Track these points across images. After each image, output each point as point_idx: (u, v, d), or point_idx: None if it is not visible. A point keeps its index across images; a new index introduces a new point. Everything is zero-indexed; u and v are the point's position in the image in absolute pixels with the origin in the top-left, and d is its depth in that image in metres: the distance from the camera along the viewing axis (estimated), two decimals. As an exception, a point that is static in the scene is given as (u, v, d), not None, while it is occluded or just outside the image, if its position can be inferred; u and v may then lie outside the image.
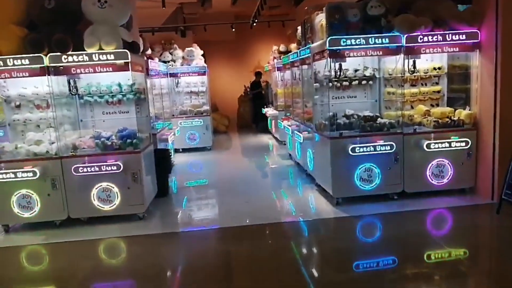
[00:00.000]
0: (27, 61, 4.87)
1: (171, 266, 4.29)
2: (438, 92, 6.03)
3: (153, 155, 6.00)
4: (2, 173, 4.91)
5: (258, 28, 14.52)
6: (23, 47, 4.90)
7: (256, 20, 13.10)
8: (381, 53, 5.31)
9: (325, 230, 5.04)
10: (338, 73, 5.41)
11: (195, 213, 5.84)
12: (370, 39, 5.13)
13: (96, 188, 5.13)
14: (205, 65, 10.62)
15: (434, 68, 5.93)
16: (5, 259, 4.61)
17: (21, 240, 4.98)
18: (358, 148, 5.18)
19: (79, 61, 4.95)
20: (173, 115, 10.19)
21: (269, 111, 11.49)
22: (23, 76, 4.98)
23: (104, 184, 5.13)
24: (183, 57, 10.40)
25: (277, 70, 10.42)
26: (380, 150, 5.23)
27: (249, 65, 16.38)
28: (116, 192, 5.16)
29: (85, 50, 4.95)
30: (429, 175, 5.44)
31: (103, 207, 5.18)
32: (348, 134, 5.37)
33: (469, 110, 5.49)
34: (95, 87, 5.72)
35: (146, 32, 12.95)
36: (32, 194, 5.06)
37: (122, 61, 5.00)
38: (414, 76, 5.91)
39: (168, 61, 10.32)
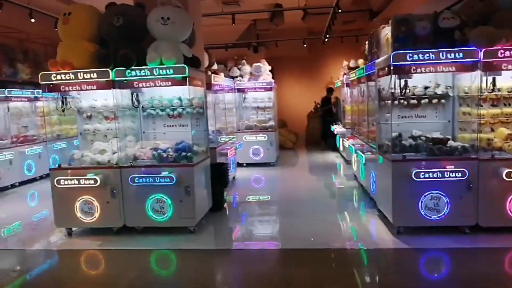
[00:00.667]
0: (95, 75, 5.17)
1: (216, 284, 4.18)
2: (525, 113, 5.29)
3: (209, 169, 6.02)
4: (68, 179, 5.24)
5: (331, 44, 14.25)
6: (93, 62, 5.23)
7: (327, 36, 12.83)
8: (454, 69, 4.79)
9: (385, 262, 4.59)
10: (403, 90, 4.97)
11: (251, 230, 5.70)
12: (441, 53, 4.66)
13: (151, 199, 5.25)
14: (272, 80, 10.59)
15: (520, 86, 5.22)
16: (64, 262, 4.88)
17: (80, 244, 5.23)
18: (423, 173, 4.68)
19: (141, 76, 5.15)
20: (239, 130, 10.29)
21: (337, 128, 11.09)
22: (91, 89, 5.30)
23: (158, 196, 5.22)
24: (250, 73, 10.49)
25: (346, 86, 10.06)
26: (450, 177, 4.68)
27: (321, 81, 16.11)
28: (169, 204, 5.23)
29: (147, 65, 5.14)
30: (510, 208, 4.73)
31: (156, 218, 5.27)
32: (413, 157, 4.89)
33: None
34: (157, 100, 5.93)
35: (220, 48, 13.43)
36: (93, 200, 5.31)
37: (180, 76, 5.10)
38: (496, 95, 5.27)
39: (236, 76, 10.48)
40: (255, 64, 10.42)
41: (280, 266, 4.59)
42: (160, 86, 5.23)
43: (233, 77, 10.51)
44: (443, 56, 4.66)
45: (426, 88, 5.49)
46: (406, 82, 5.00)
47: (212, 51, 13.47)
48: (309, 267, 4.32)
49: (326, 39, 13.38)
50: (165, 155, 5.31)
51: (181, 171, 5.19)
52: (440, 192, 4.80)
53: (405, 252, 4.61)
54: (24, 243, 5.44)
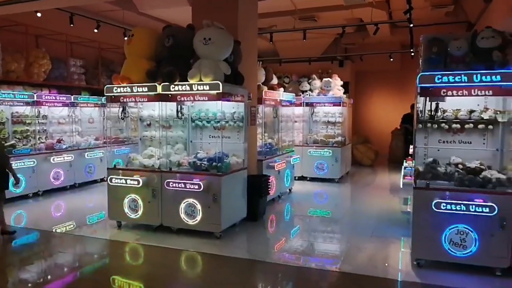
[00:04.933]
0: (146, 89, 5.88)
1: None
2: None
3: (246, 179, 6.31)
4: (118, 179, 6.02)
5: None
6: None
7: (412, 49, 12.16)
8: (491, 92, 4.34)
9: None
10: (434, 113, 4.66)
11: (281, 243, 5.79)
12: (474, 76, 4.27)
13: (183, 203, 5.74)
14: (342, 96, 10.45)
15: None
16: (109, 251, 5.67)
17: (125, 236, 5.94)
18: (444, 204, 4.32)
19: (182, 90, 5.70)
20: (307, 143, 10.38)
21: (411, 148, 10.43)
22: (143, 101, 6.04)
23: (190, 200, 5.69)
24: (321, 88, 10.50)
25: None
26: (476, 211, 4.24)
27: (411, 96, 15.17)
28: (199, 209, 5.65)
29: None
30: (552, 254, 4.10)
31: (188, 221, 5.74)
32: (438, 186, 4.54)
33: None
34: (204, 113, 6.45)
35: (303, 62, 13.64)
36: (138, 199, 6.01)
37: (215, 91, 5.51)
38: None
39: (306, 91, 10.59)
40: (324, 79, 10.41)
41: (288, 282, 4.66)
42: (199, 100, 5.73)
43: (303, 92, 10.65)
44: (477, 79, 4.27)
45: (471, 112, 5.02)
46: (437, 105, 4.68)
47: (295, 64, 13.93)
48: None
49: (413, 53, 12.64)
50: (199, 163, 5.77)
51: (211, 179, 5.58)
52: (468, 227, 4.37)
53: (418, 286, 4.30)
54: (87, 231, 6.34)
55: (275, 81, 8.58)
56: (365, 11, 10.05)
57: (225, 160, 5.80)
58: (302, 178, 10.25)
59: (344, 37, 13.15)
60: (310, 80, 10.69)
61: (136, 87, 5.92)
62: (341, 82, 10.78)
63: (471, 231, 4.35)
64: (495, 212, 4.18)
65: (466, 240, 4.38)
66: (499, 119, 4.90)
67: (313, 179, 10.21)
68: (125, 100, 6.13)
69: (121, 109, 6.42)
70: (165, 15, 9.93)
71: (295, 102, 9.54)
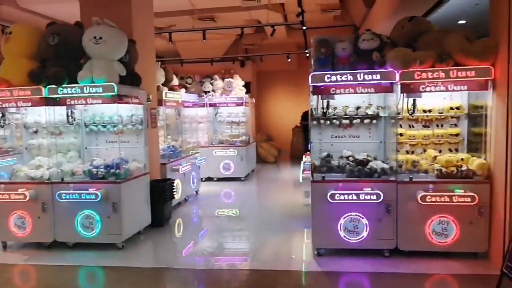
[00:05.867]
0: (29, 92, 5.31)
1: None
2: (457, 135, 5.21)
3: (148, 184, 6.08)
4: (0, 194, 5.34)
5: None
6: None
7: (306, 50, 12.87)
8: (373, 90, 4.77)
9: (302, 283, 4.54)
10: (326, 110, 4.98)
11: (191, 247, 5.65)
12: (358, 75, 4.65)
13: (80, 215, 5.32)
14: (244, 95, 10.65)
15: (451, 108, 5.16)
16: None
17: (12, 258, 5.30)
18: (338, 195, 4.64)
19: (72, 93, 5.26)
20: (212, 144, 10.37)
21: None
22: (27, 106, 5.44)
23: (86, 212, 5.29)
24: (223, 88, 10.57)
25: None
26: (365, 199, 4.63)
27: (308, 95, 16.07)
28: (97, 220, 5.29)
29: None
30: (429, 232, 4.64)
31: (86, 234, 5.33)
32: (332, 178, 4.85)
33: (484, 159, 4.62)
34: (99, 117, 6.05)
35: (205, 62, 13.58)
36: (25, 215, 5.41)
37: (109, 94, 5.20)
38: (427, 116, 5.24)
39: (208, 91, 10.58)
40: (226, 79, 10.51)
41: (198, 286, 4.59)
42: (92, 103, 5.34)
43: (205, 92, 10.62)
44: (360, 78, 4.65)
45: (358, 108, 5.46)
46: (328, 102, 5.01)
47: (197, 65, 13.82)
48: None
49: (308, 54, 13.39)
50: (95, 171, 5.39)
51: (109, 188, 5.26)
52: (359, 215, 4.74)
53: (323, 275, 4.54)
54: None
55: (176, 82, 8.40)
56: (262, 13, 10.36)
57: (124, 166, 5.51)
58: (209, 179, 10.22)
59: (244, 38, 13.41)
60: (212, 81, 10.70)
61: (17, 90, 5.33)
62: (243, 82, 10.98)
63: (362, 218, 4.73)
64: (381, 198, 4.60)
65: (358, 226, 4.75)
66: (381, 114, 5.41)
67: (220, 179, 10.25)
68: (3, 105, 5.46)
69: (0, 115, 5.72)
70: (50, 11, 9.08)
71: (199, 103, 9.46)
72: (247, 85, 11.95)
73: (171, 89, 7.90)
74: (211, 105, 10.47)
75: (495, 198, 4.42)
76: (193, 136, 9.24)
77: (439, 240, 4.63)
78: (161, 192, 6.22)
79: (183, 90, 8.71)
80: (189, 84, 10.55)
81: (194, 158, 8.50)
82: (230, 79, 10.47)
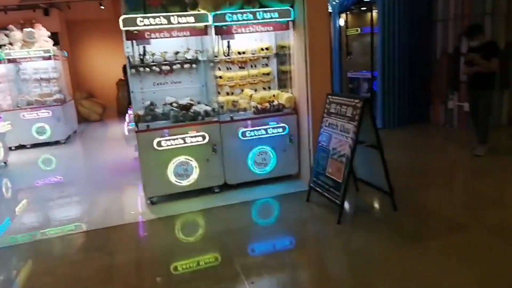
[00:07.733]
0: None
1: None
2: (268, 74, 5.70)
3: None
4: None
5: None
6: None
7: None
8: (189, 33, 4.76)
9: (137, 233, 4.48)
10: (143, 57, 4.79)
11: (12, 226, 4.87)
12: (172, 17, 4.54)
13: None
14: (52, 48, 9.36)
15: (262, 49, 5.56)
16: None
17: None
18: (164, 141, 4.64)
19: None
20: (19, 106, 8.94)
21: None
22: None
23: None
24: (23, 40, 9.06)
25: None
26: (191, 143, 4.76)
27: (129, 46, 15.15)
28: None
29: None
30: (251, 164, 5.10)
31: None
32: (157, 126, 4.80)
33: (291, 93, 5.22)
34: None
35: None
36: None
37: None
38: (242, 57, 5.54)
39: (4, 45, 8.93)
40: (25, 29, 9.01)
41: (25, 262, 4.06)
42: None
43: (0, 46, 8.94)
44: (174, 21, 4.56)
45: (177, 53, 5.39)
46: (144, 48, 4.81)
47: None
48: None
49: None
50: None
51: None
52: (188, 158, 4.87)
53: (160, 220, 4.58)
54: None
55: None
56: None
57: None
58: (21, 146, 8.92)
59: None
60: (8, 32, 9.01)
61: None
62: (48, 33, 9.59)
63: (191, 160, 4.88)
64: (207, 140, 4.79)
65: (188, 170, 4.89)
66: (200, 58, 5.48)
67: (35, 146, 9.05)
68: None
69: None
70: None
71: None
72: (54, 36, 10.52)
73: None
74: (10, 61, 8.89)
75: (301, 127, 5.10)
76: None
77: (260, 170, 5.15)
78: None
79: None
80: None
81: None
82: (31, 29, 9.00)
